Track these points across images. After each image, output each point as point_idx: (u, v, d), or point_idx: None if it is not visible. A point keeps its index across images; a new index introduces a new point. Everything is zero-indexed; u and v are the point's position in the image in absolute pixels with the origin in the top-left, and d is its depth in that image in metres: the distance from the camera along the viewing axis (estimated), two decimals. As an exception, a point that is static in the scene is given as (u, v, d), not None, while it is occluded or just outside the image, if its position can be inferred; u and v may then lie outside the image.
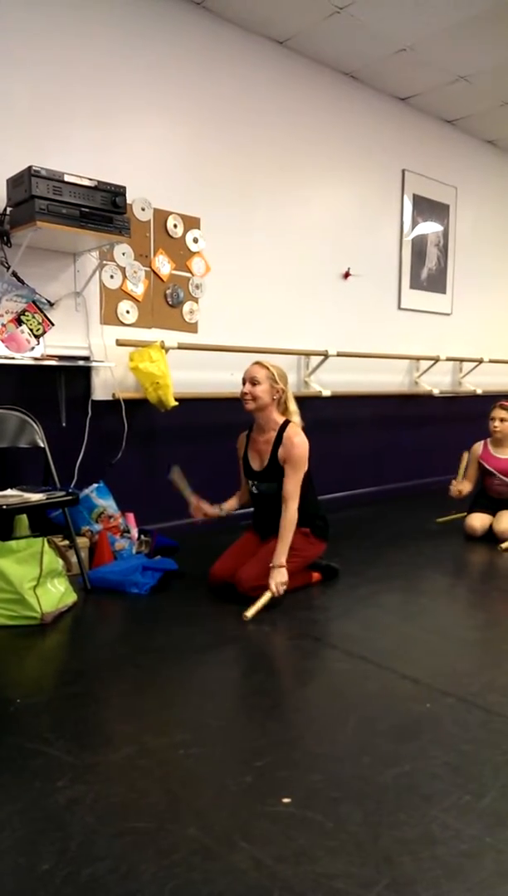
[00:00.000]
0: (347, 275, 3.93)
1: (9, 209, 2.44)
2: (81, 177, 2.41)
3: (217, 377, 3.29)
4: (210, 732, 1.48)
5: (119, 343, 2.89)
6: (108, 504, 2.75)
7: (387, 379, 4.27)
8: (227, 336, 3.34)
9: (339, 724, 1.52)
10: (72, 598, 2.27)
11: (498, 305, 5.10)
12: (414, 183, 4.27)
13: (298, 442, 2.37)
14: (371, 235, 4.07)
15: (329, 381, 3.80)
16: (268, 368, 2.40)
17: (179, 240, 3.14)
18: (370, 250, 4.06)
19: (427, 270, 4.47)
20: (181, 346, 3.02)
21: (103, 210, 2.47)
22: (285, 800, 1.24)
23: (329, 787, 1.28)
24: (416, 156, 4.26)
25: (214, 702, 1.65)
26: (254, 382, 2.38)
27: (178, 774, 1.32)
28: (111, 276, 2.91)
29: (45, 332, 2.66)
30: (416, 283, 4.39)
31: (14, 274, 2.58)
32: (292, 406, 2.49)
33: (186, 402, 3.05)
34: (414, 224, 4.32)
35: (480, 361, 4.70)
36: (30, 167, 2.30)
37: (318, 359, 3.71)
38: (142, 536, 2.85)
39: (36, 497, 2.29)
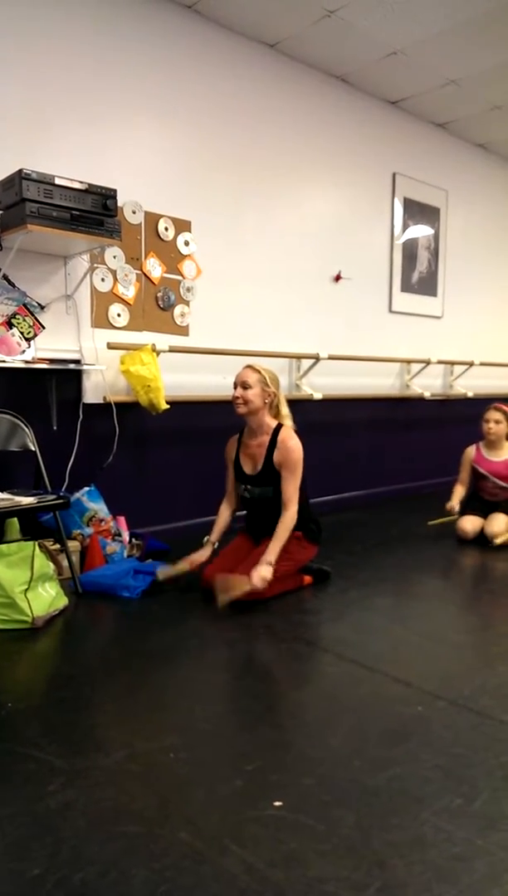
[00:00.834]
0: (338, 278, 3.95)
1: (-1, 212, 2.44)
2: (72, 180, 2.41)
3: (208, 380, 3.29)
4: (201, 736, 1.48)
5: (110, 346, 2.89)
6: (99, 507, 2.74)
7: (378, 382, 4.28)
8: (218, 339, 3.35)
9: (330, 728, 1.52)
10: (63, 601, 2.26)
11: (489, 308, 5.13)
12: (405, 186, 4.30)
13: (293, 445, 2.37)
14: (362, 238, 4.09)
15: (321, 384, 3.81)
16: (260, 372, 2.40)
17: (171, 243, 3.14)
18: (361, 253, 4.08)
19: (418, 273, 4.50)
20: (173, 350, 3.02)
21: (94, 213, 2.46)
22: (277, 803, 1.24)
23: (321, 791, 1.28)
24: (407, 159, 4.29)
25: (205, 706, 1.65)
26: (245, 386, 2.38)
27: (169, 778, 1.32)
28: (102, 280, 2.91)
29: (35, 336, 2.65)
30: (407, 287, 4.42)
31: (5, 277, 2.57)
32: (285, 409, 2.49)
33: (177, 406, 3.05)
34: (405, 227, 4.35)
35: (471, 364, 4.73)
36: (20, 170, 2.29)
37: (309, 362, 3.72)
38: (133, 540, 2.84)
39: (27, 500, 2.28)
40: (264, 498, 2.42)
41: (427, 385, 4.52)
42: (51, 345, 2.73)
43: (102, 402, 2.92)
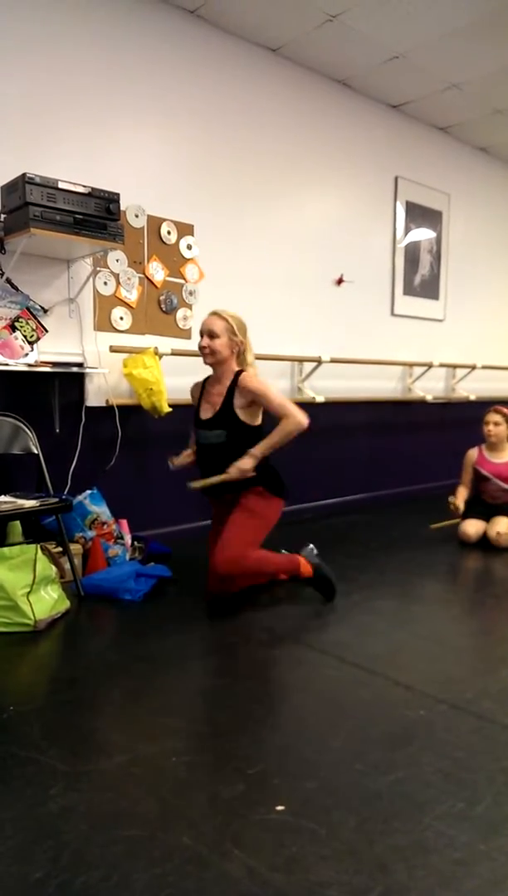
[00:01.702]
0: (340, 281, 3.95)
1: (3, 216, 2.44)
2: (75, 184, 2.42)
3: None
4: (203, 740, 1.48)
5: (113, 349, 2.90)
6: (101, 510, 2.74)
7: (380, 385, 4.29)
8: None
9: (332, 732, 1.52)
10: (65, 604, 2.26)
11: (491, 311, 5.14)
12: (407, 190, 4.31)
13: (251, 381, 2.25)
14: (364, 242, 4.10)
15: (323, 387, 3.81)
16: (226, 320, 2.26)
17: (173, 246, 3.15)
18: (364, 257, 4.09)
19: (420, 277, 4.50)
20: (175, 353, 3.03)
21: (97, 217, 2.47)
22: (279, 807, 1.24)
23: (323, 795, 1.28)
24: (409, 163, 4.30)
25: (206, 709, 1.65)
26: (212, 335, 2.25)
27: (170, 782, 1.32)
28: (105, 283, 2.92)
29: (38, 339, 2.66)
30: (409, 290, 4.42)
31: (8, 280, 2.58)
32: (250, 357, 2.34)
33: (179, 409, 3.05)
34: (407, 230, 4.35)
35: (473, 367, 4.73)
36: (24, 174, 2.30)
37: (311, 365, 3.73)
38: (135, 543, 2.84)
39: (29, 503, 2.29)
40: (218, 444, 2.27)
41: (429, 388, 4.52)
42: (54, 348, 2.74)
43: (104, 405, 2.92)
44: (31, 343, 2.63)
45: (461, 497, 3.38)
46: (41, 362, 2.63)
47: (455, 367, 4.72)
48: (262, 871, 1.07)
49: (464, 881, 1.05)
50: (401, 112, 4.20)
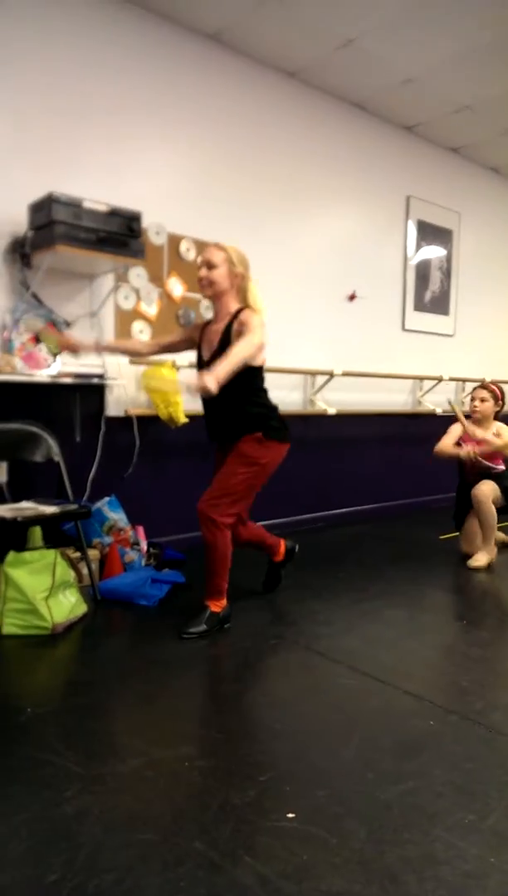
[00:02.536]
0: (352, 297, 4.01)
1: (30, 233, 2.52)
2: (99, 202, 2.49)
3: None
4: (215, 745, 1.50)
5: (132, 361, 2.96)
6: (119, 517, 2.79)
7: (391, 398, 4.32)
8: (236, 355, 3.40)
9: (342, 740, 1.53)
10: (82, 609, 2.30)
11: (500, 327, 5.16)
12: (418, 208, 4.37)
13: (250, 316, 2.09)
14: (376, 259, 4.15)
15: (334, 399, 3.85)
16: (225, 251, 2.14)
17: (192, 263, 3.22)
18: (375, 273, 4.15)
19: (431, 293, 4.55)
20: (192, 365, 3.07)
21: (120, 234, 2.54)
22: (290, 815, 1.25)
23: (333, 803, 1.29)
24: (420, 182, 4.36)
25: (218, 714, 1.67)
26: (210, 266, 2.13)
27: (183, 787, 1.33)
28: (126, 298, 2.99)
29: (61, 351, 2.73)
30: (420, 305, 4.47)
31: (34, 295, 2.66)
32: (258, 302, 2.18)
33: (196, 419, 3.10)
34: (418, 248, 4.41)
35: (482, 381, 4.75)
36: (50, 193, 2.38)
37: (323, 378, 3.77)
38: (151, 549, 2.88)
39: (50, 510, 2.34)
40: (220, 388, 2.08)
41: (439, 401, 4.54)
42: (76, 360, 2.81)
43: (123, 415, 2.98)
44: (54, 355, 2.70)
45: (450, 443, 3.22)
46: (64, 373, 2.70)
47: (464, 380, 4.74)
48: (273, 878, 1.08)
49: (474, 894, 1.05)
50: (413, 133, 4.27)
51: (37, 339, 2.66)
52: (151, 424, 3.08)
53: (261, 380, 2.24)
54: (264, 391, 2.27)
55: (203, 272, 2.16)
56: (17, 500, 2.54)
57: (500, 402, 3.31)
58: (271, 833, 1.19)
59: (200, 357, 2.28)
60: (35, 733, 1.53)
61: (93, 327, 2.90)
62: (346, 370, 3.81)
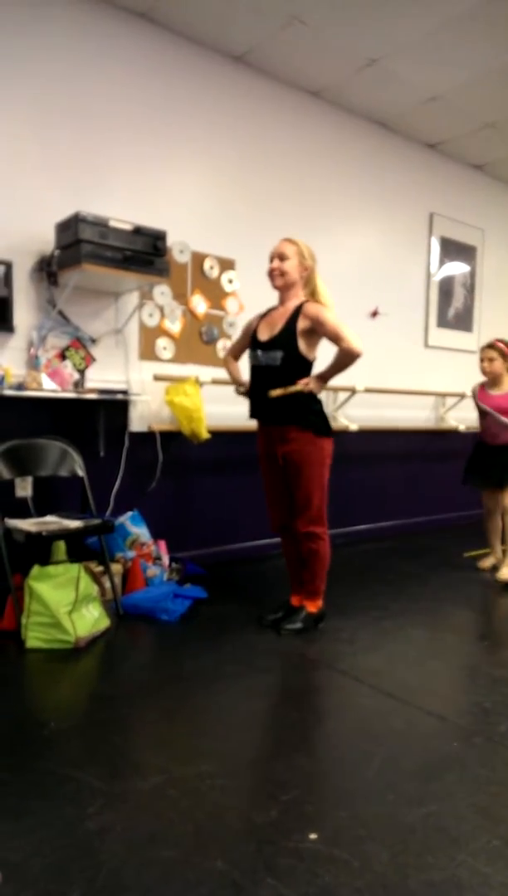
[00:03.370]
0: (375, 313, 4.02)
1: (57, 252, 2.60)
2: (124, 222, 2.55)
3: (248, 411, 3.37)
4: (237, 764, 1.49)
5: (156, 378, 3.01)
6: (141, 532, 2.82)
7: (413, 414, 4.30)
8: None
9: (365, 761, 1.51)
10: (105, 623, 2.32)
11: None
12: (442, 226, 4.38)
13: (316, 308, 2.23)
14: (399, 276, 4.16)
15: (357, 415, 3.85)
16: (296, 244, 2.28)
17: (215, 281, 3.28)
18: (398, 290, 4.15)
19: (454, 309, 4.53)
20: (215, 382, 3.12)
21: (145, 253, 2.59)
22: (312, 835, 1.24)
23: (356, 825, 1.28)
24: (444, 199, 4.37)
25: (240, 732, 1.66)
26: (283, 258, 2.26)
27: (205, 805, 1.33)
28: (150, 315, 3.05)
29: (87, 367, 2.79)
30: (443, 322, 4.45)
31: (60, 312, 2.73)
32: (323, 291, 2.29)
33: (218, 435, 3.13)
34: (441, 265, 4.40)
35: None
36: (77, 213, 2.44)
37: (346, 394, 3.77)
38: (173, 564, 2.89)
39: (74, 524, 2.37)
40: (270, 367, 2.24)
41: (462, 418, 4.50)
42: (101, 376, 2.87)
43: (146, 430, 3.03)
44: (80, 371, 2.76)
45: None
46: (89, 389, 2.76)
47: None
48: (295, 899, 1.07)
49: (500, 922, 1.04)
50: (437, 150, 4.30)
51: (63, 356, 2.72)
52: (174, 440, 3.12)
53: (311, 372, 2.33)
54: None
55: (275, 263, 2.28)
56: (41, 514, 2.59)
57: None
58: (293, 854, 1.19)
59: (254, 339, 2.35)
60: (58, 748, 1.55)
61: (118, 344, 2.96)
62: (368, 386, 3.81)
